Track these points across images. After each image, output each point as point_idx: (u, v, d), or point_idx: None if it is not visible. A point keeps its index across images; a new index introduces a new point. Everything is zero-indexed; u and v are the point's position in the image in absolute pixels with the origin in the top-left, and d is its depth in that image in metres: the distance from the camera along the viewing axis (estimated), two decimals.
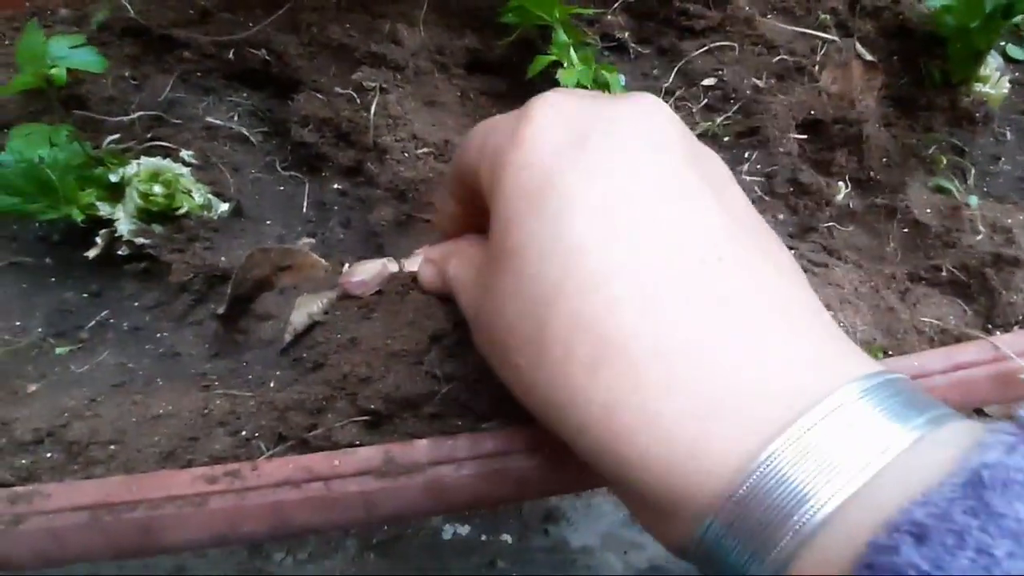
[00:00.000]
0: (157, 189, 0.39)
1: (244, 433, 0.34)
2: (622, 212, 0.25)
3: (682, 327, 0.23)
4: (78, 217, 0.40)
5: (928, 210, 0.44)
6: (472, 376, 0.34)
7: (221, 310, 0.38)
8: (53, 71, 0.36)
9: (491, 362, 0.29)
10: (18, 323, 0.41)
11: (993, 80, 0.49)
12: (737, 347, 0.22)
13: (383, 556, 0.93)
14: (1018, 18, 0.46)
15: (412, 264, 0.38)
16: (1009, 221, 0.42)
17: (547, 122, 0.27)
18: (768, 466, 0.20)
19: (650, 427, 0.22)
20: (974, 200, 0.43)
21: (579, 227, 0.24)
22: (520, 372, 0.26)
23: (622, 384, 0.22)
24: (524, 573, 0.92)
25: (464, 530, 0.94)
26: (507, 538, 0.94)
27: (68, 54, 0.36)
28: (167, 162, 0.41)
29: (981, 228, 0.41)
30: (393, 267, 0.39)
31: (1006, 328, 0.38)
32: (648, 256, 0.24)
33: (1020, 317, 0.38)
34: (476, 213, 0.33)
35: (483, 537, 0.94)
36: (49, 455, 0.33)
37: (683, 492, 0.21)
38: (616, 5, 0.50)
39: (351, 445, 0.33)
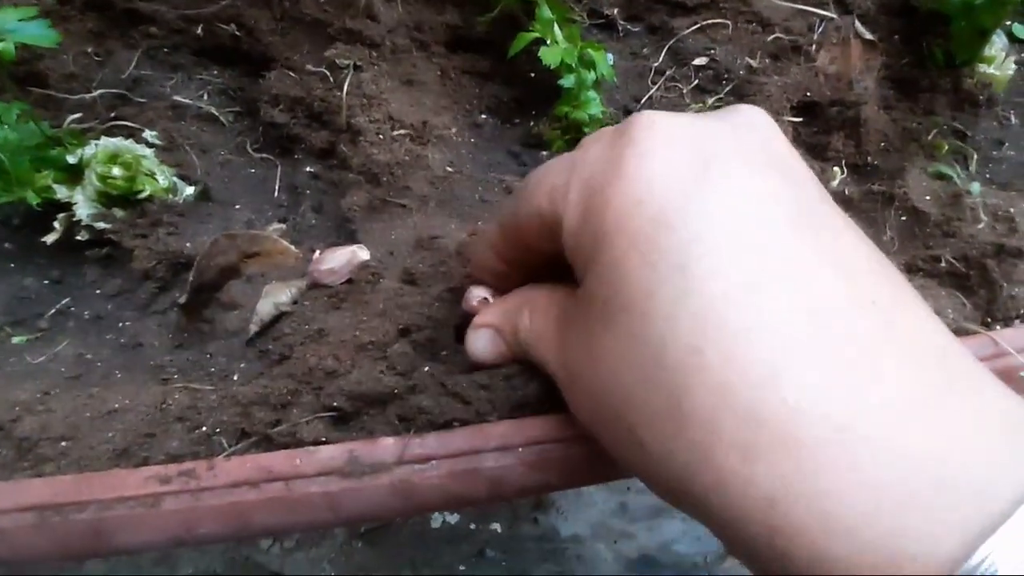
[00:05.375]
0: (116, 171, 0.38)
1: (204, 429, 0.32)
2: (766, 254, 0.20)
3: (858, 399, 0.19)
4: (33, 200, 0.38)
5: (927, 197, 0.42)
6: (443, 371, 0.33)
7: (183, 299, 0.36)
8: (1, 45, 0.34)
9: (596, 432, 0.24)
10: None
11: (998, 61, 0.46)
12: (923, 419, 0.18)
13: (371, 545, 0.92)
14: None
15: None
16: (1012, 209, 0.40)
17: (656, 145, 0.22)
18: (984, 571, 0.16)
19: (829, 526, 0.18)
20: (976, 187, 0.41)
21: (715, 275, 0.20)
22: (645, 450, 0.21)
23: (790, 474, 0.18)
24: (514, 562, 0.91)
25: (453, 519, 0.93)
26: (497, 527, 0.93)
27: (17, 27, 0.34)
28: (128, 143, 0.39)
29: (983, 217, 0.40)
30: (364, 254, 0.37)
31: (1007, 323, 0.36)
32: (806, 308, 0.20)
33: (1021, 311, 0.36)
34: (533, 267, 0.29)
35: (472, 526, 0.93)
36: None
37: None
38: None
39: (317, 442, 0.32)
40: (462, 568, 0.91)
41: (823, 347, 0.19)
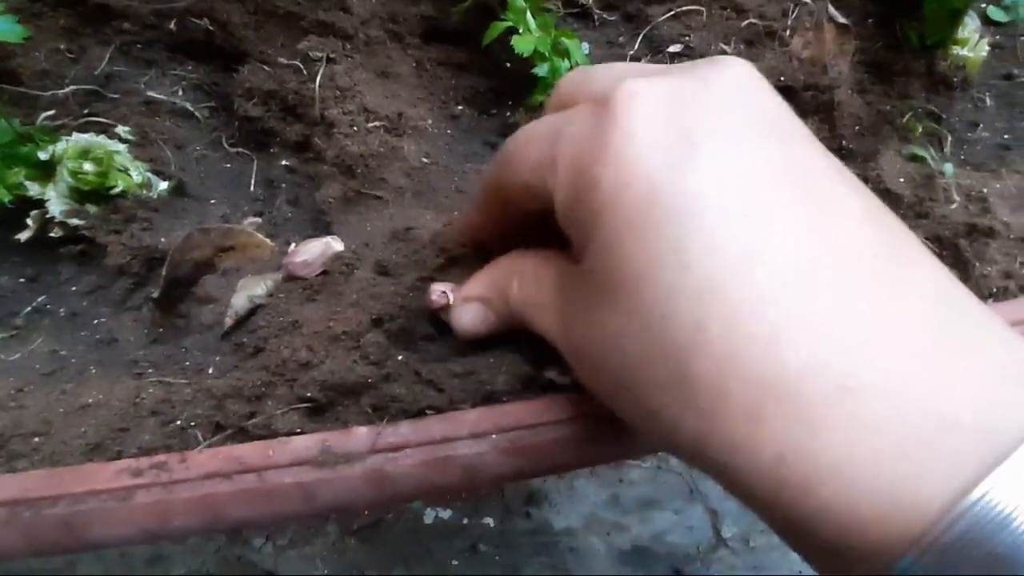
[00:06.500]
0: (88, 167, 0.37)
1: (179, 422, 0.32)
2: (760, 221, 0.21)
3: (862, 352, 0.19)
4: (5, 198, 0.38)
5: (901, 179, 0.42)
6: (417, 360, 0.33)
7: (156, 294, 0.36)
8: None
9: (606, 401, 0.25)
10: None
11: (971, 43, 0.47)
12: (926, 365, 0.19)
13: (364, 541, 0.92)
14: None
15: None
16: (985, 190, 0.40)
17: (640, 121, 0.22)
18: (984, 506, 0.17)
19: (836, 477, 0.19)
20: (949, 168, 0.42)
21: (712, 250, 0.20)
22: (657, 418, 0.22)
23: (797, 432, 0.19)
24: (507, 556, 0.91)
25: (446, 514, 0.93)
26: (489, 521, 0.93)
27: None
28: (100, 138, 0.39)
29: (956, 197, 0.40)
30: (338, 246, 0.37)
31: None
32: (805, 270, 0.20)
33: (994, 290, 0.36)
34: (517, 224, 0.30)
35: (465, 520, 0.93)
36: None
37: (877, 542, 0.18)
38: None
39: (292, 433, 0.32)
40: (455, 564, 0.91)
41: (822, 307, 0.20)
